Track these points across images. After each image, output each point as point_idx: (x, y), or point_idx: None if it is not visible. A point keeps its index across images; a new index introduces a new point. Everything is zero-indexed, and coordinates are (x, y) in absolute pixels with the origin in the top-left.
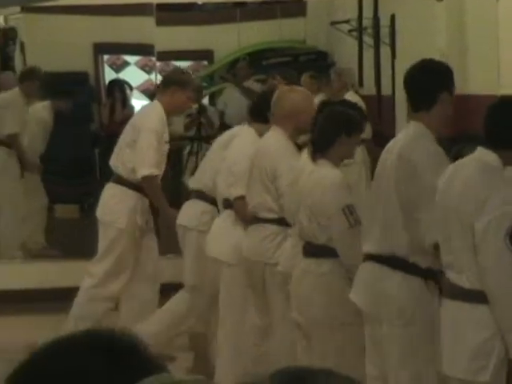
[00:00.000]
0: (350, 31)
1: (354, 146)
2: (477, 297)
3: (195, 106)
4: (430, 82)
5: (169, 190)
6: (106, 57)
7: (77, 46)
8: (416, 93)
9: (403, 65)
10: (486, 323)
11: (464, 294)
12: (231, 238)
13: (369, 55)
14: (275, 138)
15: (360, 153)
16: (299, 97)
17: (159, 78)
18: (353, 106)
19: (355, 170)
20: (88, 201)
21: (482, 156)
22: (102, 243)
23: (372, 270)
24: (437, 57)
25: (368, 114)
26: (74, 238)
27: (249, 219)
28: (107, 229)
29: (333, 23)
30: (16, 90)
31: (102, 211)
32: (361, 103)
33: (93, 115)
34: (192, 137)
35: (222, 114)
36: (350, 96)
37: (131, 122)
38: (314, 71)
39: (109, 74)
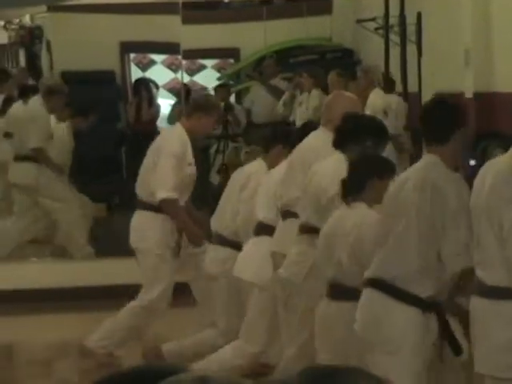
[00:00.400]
0: (376, 29)
1: (385, 190)
2: (504, 293)
3: (222, 104)
4: (445, 119)
5: (196, 189)
6: (132, 55)
7: (103, 44)
8: (431, 129)
9: (429, 62)
10: None
11: (491, 290)
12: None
13: (395, 53)
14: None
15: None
16: (350, 103)
17: (185, 76)
18: (374, 121)
19: None
20: (115, 199)
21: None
22: (146, 272)
23: (370, 295)
24: (462, 54)
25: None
26: (102, 237)
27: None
28: (145, 256)
29: (359, 21)
30: (39, 100)
31: (135, 239)
32: (386, 101)
33: (119, 114)
34: (219, 135)
35: (248, 112)
36: (376, 93)
37: (153, 146)
38: (341, 69)
39: (135, 73)
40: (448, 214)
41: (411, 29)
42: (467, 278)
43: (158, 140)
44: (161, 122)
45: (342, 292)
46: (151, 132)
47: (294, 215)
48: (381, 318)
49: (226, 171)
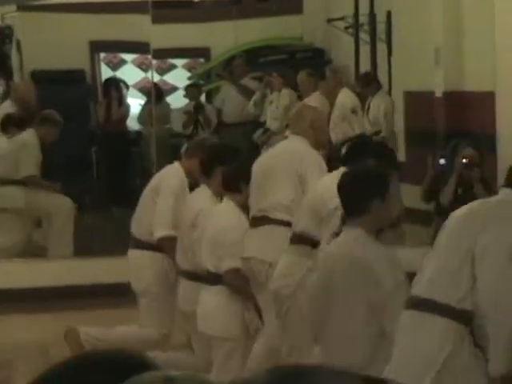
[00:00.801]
0: (346, 28)
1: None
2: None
3: (192, 104)
4: (360, 189)
5: None
6: (102, 55)
7: (73, 43)
8: (350, 198)
9: (399, 61)
10: (439, 335)
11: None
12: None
13: (365, 52)
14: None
15: None
16: (315, 114)
17: (155, 75)
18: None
19: None
20: (86, 199)
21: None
22: (146, 312)
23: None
24: (432, 53)
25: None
26: (73, 236)
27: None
28: (144, 296)
29: (329, 20)
30: (31, 131)
31: (134, 281)
32: (355, 100)
33: (90, 113)
34: (189, 135)
35: (219, 112)
36: (345, 92)
37: (151, 184)
38: (311, 68)
39: (105, 72)
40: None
41: (381, 27)
42: None
43: (157, 179)
44: (131, 122)
45: None
46: (121, 132)
47: (273, 221)
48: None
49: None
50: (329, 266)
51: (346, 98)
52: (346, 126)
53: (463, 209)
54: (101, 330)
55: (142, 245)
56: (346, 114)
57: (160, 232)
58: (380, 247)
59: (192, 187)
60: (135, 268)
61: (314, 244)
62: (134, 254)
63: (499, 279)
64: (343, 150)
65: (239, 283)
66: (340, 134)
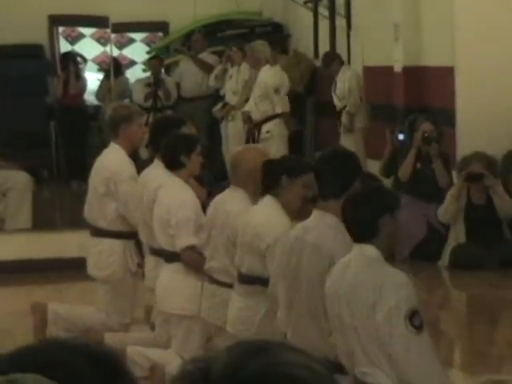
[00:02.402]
0: (305, 3)
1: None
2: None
3: (152, 77)
4: (343, 170)
5: None
6: (61, 29)
7: (32, 18)
8: (327, 180)
9: (359, 36)
10: None
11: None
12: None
13: (324, 26)
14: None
15: (278, 127)
16: (258, 156)
17: (114, 50)
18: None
19: (274, 143)
20: (43, 173)
21: (362, 252)
22: (107, 300)
23: None
24: (392, 28)
25: (323, 85)
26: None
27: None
28: (105, 284)
29: None
30: None
31: (94, 268)
32: (278, 79)
33: (48, 88)
34: (148, 107)
35: (177, 87)
36: (268, 71)
37: (97, 171)
38: (270, 43)
39: (64, 47)
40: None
41: (340, 2)
42: None
43: (102, 165)
44: (89, 96)
45: None
46: (79, 106)
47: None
48: None
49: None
50: (296, 251)
51: (268, 76)
52: (266, 104)
53: None
54: (68, 310)
55: (100, 232)
56: (268, 93)
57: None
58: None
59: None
60: (95, 256)
61: (264, 282)
62: (93, 241)
63: None
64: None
65: (196, 260)
66: (260, 113)
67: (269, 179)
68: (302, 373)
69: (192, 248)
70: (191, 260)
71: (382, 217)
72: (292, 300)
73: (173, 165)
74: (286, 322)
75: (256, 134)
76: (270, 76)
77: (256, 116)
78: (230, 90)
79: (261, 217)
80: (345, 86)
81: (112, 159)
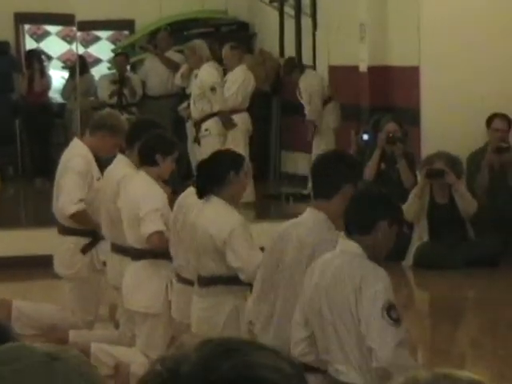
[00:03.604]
0: (271, 2)
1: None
2: None
3: (117, 75)
4: (335, 172)
5: None
6: (26, 26)
7: None
8: (319, 181)
9: (324, 36)
10: None
11: None
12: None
13: (290, 26)
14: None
15: (216, 125)
16: None
17: (80, 48)
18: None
19: (212, 141)
20: (8, 170)
21: (346, 248)
22: (72, 297)
23: None
24: (357, 28)
25: (288, 84)
26: None
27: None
28: (70, 282)
29: None
30: None
31: (61, 266)
32: (215, 77)
33: (13, 85)
34: (113, 104)
35: (143, 85)
36: (205, 69)
37: (60, 164)
38: (236, 42)
39: (30, 44)
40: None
41: (306, 2)
42: None
43: (63, 158)
44: (53, 94)
45: None
46: (44, 103)
47: None
48: None
49: None
50: (280, 245)
51: (205, 74)
52: (204, 103)
53: None
54: (32, 308)
55: (66, 230)
56: (205, 92)
57: (69, 209)
58: (334, 235)
59: (100, 162)
60: (61, 254)
61: (225, 280)
62: (59, 239)
63: None
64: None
65: (164, 246)
66: (198, 111)
67: (212, 179)
68: (271, 375)
69: (159, 233)
70: (160, 242)
71: (382, 220)
72: (267, 292)
73: (146, 160)
74: (255, 312)
75: (196, 131)
76: (207, 74)
77: (195, 114)
78: (194, 89)
79: (209, 218)
80: (306, 92)
81: (75, 153)
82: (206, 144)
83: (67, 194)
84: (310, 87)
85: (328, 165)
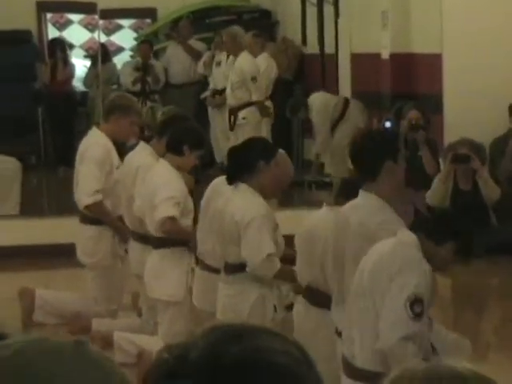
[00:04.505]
0: None
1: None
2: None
3: (141, 62)
4: (371, 151)
5: None
6: (49, 15)
7: (20, 4)
8: (359, 163)
9: (347, 23)
10: None
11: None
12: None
13: (312, 13)
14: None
15: (253, 114)
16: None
17: (102, 36)
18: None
19: (249, 129)
20: (31, 159)
21: (400, 236)
22: (94, 286)
23: None
24: (379, 15)
25: (311, 72)
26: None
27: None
28: (93, 270)
29: None
30: None
31: (83, 255)
32: (255, 67)
33: (36, 74)
34: (136, 92)
35: (165, 72)
36: (245, 58)
37: (78, 153)
38: (258, 30)
39: (52, 33)
40: None
41: None
42: None
43: (81, 146)
44: (76, 83)
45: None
46: (67, 92)
47: None
48: None
49: (142, 132)
50: (340, 231)
51: (246, 63)
52: (243, 91)
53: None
54: (55, 297)
55: (87, 219)
56: (245, 81)
57: (85, 200)
58: (391, 216)
59: (120, 148)
60: (84, 242)
61: None
62: (81, 228)
63: None
64: None
65: (177, 229)
66: (236, 99)
67: (242, 166)
68: (279, 359)
69: (171, 219)
70: (171, 228)
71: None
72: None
73: (172, 148)
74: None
75: (232, 120)
76: (248, 64)
77: (232, 102)
78: (217, 77)
79: (236, 205)
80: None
81: (92, 142)
82: (242, 132)
83: (83, 185)
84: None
85: (362, 146)
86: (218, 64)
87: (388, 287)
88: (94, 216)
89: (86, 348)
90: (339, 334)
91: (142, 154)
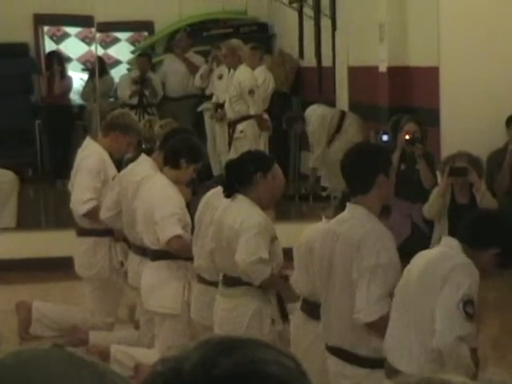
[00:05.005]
0: (290, 2)
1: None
2: None
3: (138, 75)
4: (365, 165)
5: None
6: (46, 28)
7: (17, 16)
8: (352, 177)
9: (344, 36)
10: None
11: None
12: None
13: (309, 27)
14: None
15: (251, 127)
16: None
17: (99, 49)
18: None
19: (247, 143)
20: (28, 172)
21: (446, 243)
22: (92, 298)
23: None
24: (377, 28)
25: (307, 85)
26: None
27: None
28: (91, 283)
29: None
30: None
31: (81, 267)
32: (253, 80)
33: (33, 86)
34: (135, 105)
35: (162, 85)
36: (243, 71)
37: (74, 165)
38: (255, 42)
39: (49, 46)
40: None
41: (325, 2)
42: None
43: (77, 158)
44: (73, 96)
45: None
46: (64, 105)
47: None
48: None
49: (139, 145)
50: (328, 244)
51: (244, 77)
52: (241, 104)
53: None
54: (53, 310)
55: (83, 231)
56: (243, 94)
57: (80, 209)
58: (378, 227)
59: (116, 162)
60: (81, 255)
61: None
62: (78, 241)
63: None
64: None
65: (186, 245)
66: (234, 112)
67: (240, 179)
68: (274, 370)
69: (178, 237)
70: (180, 246)
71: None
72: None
73: (169, 161)
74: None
75: (231, 132)
76: (246, 77)
77: (230, 115)
78: (220, 89)
79: (234, 215)
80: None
81: (87, 153)
82: (240, 145)
83: (77, 194)
84: (312, 129)
85: (356, 160)
86: (220, 77)
87: (441, 287)
88: (91, 225)
89: (69, 350)
90: (328, 348)
91: (143, 167)
